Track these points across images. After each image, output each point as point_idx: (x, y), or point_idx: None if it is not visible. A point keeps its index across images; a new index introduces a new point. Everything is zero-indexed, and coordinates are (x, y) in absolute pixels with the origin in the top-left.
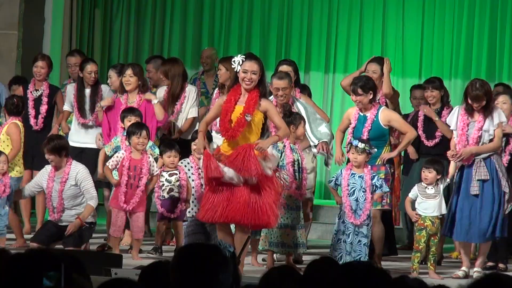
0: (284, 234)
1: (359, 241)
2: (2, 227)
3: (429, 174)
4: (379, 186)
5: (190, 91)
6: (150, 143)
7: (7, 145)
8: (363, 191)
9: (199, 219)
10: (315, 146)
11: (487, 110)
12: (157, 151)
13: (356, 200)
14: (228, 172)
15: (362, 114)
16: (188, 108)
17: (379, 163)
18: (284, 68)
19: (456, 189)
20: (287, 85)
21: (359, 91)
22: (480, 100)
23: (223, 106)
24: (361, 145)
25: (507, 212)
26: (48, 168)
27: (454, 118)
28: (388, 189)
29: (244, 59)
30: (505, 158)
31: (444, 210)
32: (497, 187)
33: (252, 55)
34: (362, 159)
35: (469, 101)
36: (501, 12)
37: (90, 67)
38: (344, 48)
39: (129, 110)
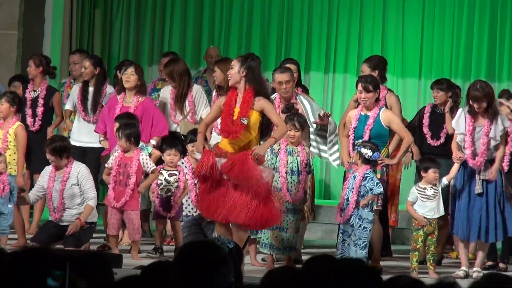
0: (273, 236)
1: (361, 226)
2: (5, 227)
3: (438, 175)
4: (369, 189)
5: (198, 91)
6: (140, 143)
7: (14, 145)
8: (352, 191)
9: (203, 216)
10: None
11: (490, 113)
12: (146, 150)
13: (347, 199)
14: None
15: (363, 113)
16: (202, 109)
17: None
18: (288, 66)
19: (460, 189)
20: (289, 78)
21: (370, 87)
22: (480, 101)
23: (223, 109)
24: (366, 152)
25: None
26: (48, 168)
27: (461, 121)
28: (380, 191)
29: None
30: (506, 159)
31: (442, 212)
32: (500, 187)
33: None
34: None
35: (470, 102)
36: (501, 12)
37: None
38: (344, 48)
39: (125, 116)
